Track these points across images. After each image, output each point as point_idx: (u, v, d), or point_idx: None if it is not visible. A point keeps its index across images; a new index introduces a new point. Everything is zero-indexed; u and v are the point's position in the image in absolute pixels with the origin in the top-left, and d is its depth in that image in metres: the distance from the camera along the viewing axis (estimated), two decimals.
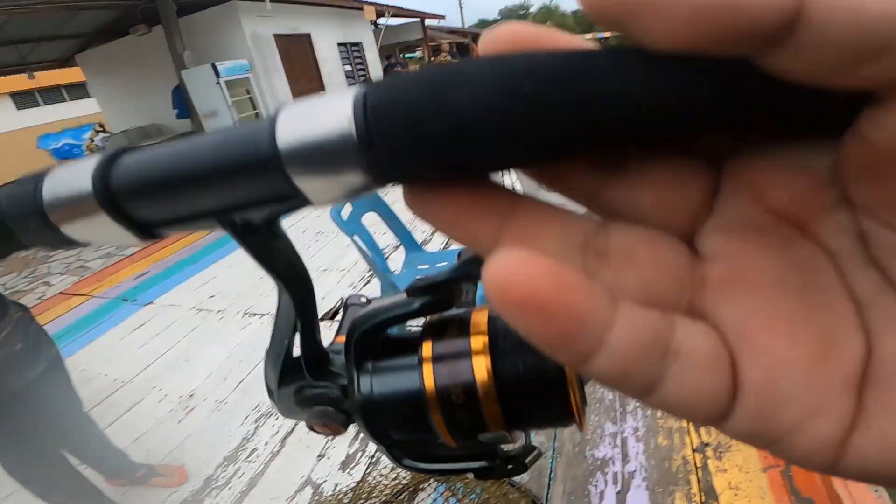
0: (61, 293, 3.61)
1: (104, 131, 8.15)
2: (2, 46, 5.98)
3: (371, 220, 2.01)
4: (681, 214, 0.12)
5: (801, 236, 0.11)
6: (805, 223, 0.11)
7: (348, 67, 8.73)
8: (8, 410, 1.22)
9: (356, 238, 1.77)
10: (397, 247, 3.19)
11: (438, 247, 3.28)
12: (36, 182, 0.16)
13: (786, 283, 0.11)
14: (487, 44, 0.12)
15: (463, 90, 0.11)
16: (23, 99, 12.70)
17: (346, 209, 1.88)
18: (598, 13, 0.09)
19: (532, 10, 54.42)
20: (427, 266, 2.30)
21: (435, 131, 0.11)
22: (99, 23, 6.28)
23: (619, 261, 0.12)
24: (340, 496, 1.53)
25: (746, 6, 0.08)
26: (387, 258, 2.39)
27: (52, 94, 13.25)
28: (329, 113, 0.12)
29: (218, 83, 5.52)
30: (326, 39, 7.93)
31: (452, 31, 16.78)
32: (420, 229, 3.56)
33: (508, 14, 50.98)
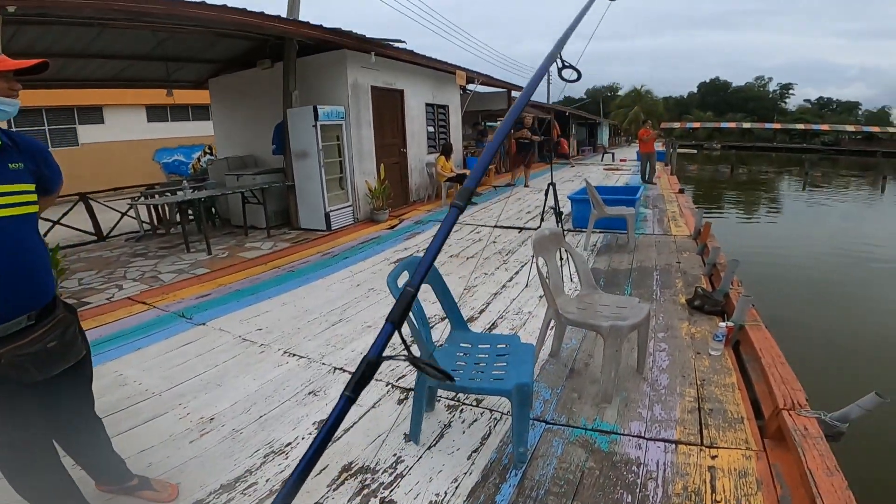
0: (128, 298, 3.85)
1: (211, 154, 9.04)
2: (155, 61, 6.75)
3: (421, 292, 1.95)
4: None
5: None
6: None
7: (431, 129, 9.14)
8: (17, 396, 1.25)
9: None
10: (442, 319, 3.11)
11: (482, 328, 3.15)
12: None
13: None
14: None
15: None
16: (155, 113, 14.51)
17: (403, 277, 1.84)
18: None
19: (621, 92, 55.18)
20: (469, 345, 2.21)
21: None
22: (235, 51, 7.00)
23: None
24: None
25: None
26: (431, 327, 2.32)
27: (180, 113, 15.04)
28: None
29: (314, 126, 5.95)
30: (416, 98, 8.42)
31: (536, 106, 17.35)
32: (469, 306, 3.46)
33: (594, 94, 52.21)
